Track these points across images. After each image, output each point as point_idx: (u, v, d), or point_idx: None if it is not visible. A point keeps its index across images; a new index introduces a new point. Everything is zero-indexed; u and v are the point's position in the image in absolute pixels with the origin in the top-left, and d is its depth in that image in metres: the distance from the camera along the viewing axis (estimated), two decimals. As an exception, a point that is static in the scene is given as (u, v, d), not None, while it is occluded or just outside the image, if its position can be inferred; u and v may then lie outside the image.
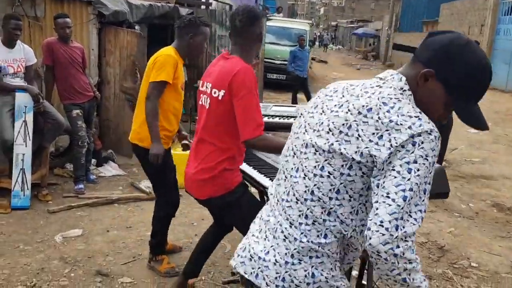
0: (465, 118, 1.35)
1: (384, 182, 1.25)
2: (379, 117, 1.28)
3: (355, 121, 1.31)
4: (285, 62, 11.75)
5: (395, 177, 1.23)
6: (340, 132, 1.33)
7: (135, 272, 3.35)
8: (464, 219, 4.87)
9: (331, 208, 1.36)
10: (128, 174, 5.57)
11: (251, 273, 1.45)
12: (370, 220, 1.24)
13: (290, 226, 1.41)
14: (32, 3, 5.41)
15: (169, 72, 3.04)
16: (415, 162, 1.23)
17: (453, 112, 1.40)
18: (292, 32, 14.64)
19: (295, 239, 1.39)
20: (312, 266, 1.39)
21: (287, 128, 3.20)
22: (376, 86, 1.37)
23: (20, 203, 4.37)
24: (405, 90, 1.35)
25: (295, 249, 1.40)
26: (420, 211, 1.24)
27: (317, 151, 1.37)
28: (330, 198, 1.35)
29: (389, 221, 1.21)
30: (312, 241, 1.38)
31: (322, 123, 1.39)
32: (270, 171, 2.74)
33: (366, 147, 1.28)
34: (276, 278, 1.41)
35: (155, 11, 6.71)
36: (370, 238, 1.23)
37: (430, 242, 4.17)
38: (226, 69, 2.36)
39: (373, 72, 22.65)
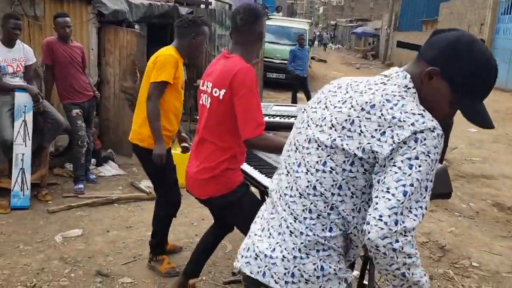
0: (471, 117, 1.35)
1: (385, 178, 1.24)
2: (382, 114, 1.28)
3: (358, 117, 1.31)
4: (285, 61, 11.76)
5: (396, 172, 1.23)
6: (343, 127, 1.33)
7: (135, 272, 3.34)
8: (465, 219, 4.86)
9: (333, 204, 1.35)
10: (128, 174, 5.56)
11: (258, 272, 1.44)
12: (369, 214, 1.24)
13: (295, 221, 1.40)
14: (31, 3, 5.39)
15: (170, 72, 3.03)
16: (417, 158, 1.22)
17: (453, 111, 1.39)
18: (292, 31, 14.63)
19: (301, 233, 1.38)
20: (320, 259, 1.38)
21: (288, 127, 3.18)
22: (380, 83, 1.37)
23: (20, 203, 4.36)
24: (409, 88, 1.34)
25: (302, 243, 1.38)
26: (421, 207, 1.23)
27: (319, 146, 1.37)
28: (332, 194, 1.35)
29: (389, 216, 1.20)
30: (317, 235, 1.37)
31: (325, 118, 1.39)
32: (271, 171, 2.73)
33: (368, 143, 1.28)
34: (285, 274, 1.39)
35: (155, 10, 6.70)
36: (369, 232, 1.22)
37: (431, 242, 4.16)
38: (226, 68, 2.34)
39: (372, 71, 22.67)
